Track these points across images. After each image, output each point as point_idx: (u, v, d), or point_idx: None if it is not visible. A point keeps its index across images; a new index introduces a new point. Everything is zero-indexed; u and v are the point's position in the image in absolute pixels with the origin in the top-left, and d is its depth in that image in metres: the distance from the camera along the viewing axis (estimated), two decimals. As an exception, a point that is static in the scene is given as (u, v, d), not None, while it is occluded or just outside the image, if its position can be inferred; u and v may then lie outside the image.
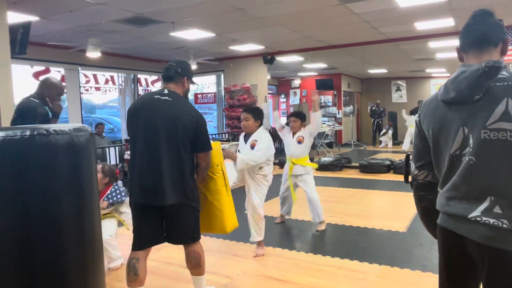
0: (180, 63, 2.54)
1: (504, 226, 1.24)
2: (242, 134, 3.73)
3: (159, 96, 2.37)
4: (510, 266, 1.25)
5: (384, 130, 12.90)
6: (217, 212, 2.63)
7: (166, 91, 2.40)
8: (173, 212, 2.37)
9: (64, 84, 8.30)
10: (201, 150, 2.40)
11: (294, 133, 4.29)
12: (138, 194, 2.37)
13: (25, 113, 3.22)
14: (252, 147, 3.48)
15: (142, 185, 2.34)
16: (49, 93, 3.41)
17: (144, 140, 2.34)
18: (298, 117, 4.34)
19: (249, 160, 3.39)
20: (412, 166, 1.59)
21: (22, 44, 5.18)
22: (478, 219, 1.29)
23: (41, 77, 3.67)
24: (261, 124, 3.59)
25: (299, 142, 4.23)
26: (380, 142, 12.99)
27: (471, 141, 1.30)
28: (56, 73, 8.23)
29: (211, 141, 2.49)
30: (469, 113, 1.31)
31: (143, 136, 2.34)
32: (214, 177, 2.59)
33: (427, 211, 1.55)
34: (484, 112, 1.27)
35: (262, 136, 3.52)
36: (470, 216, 1.30)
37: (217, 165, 2.61)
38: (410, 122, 11.34)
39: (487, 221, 1.27)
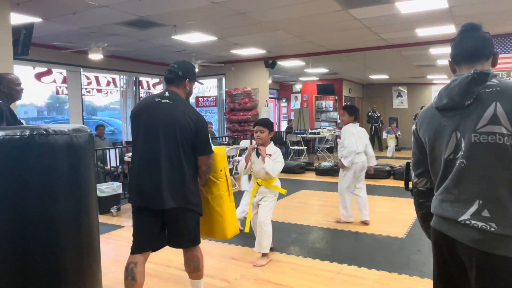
0: (182, 65, 2.49)
1: (492, 229, 1.27)
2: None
3: (160, 99, 2.37)
4: (497, 269, 1.27)
5: (390, 135, 12.14)
6: (218, 217, 2.60)
7: (167, 94, 2.40)
8: (174, 216, 2.36)
9: (66, 85, 8.34)
10: (201, 153, 2.39)
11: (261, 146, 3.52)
12: (136, 196, 2.36)
13: None
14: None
15: (140, 187, 2.34)
16: (10, 89, 3.06)
17: (144, 143, 2.34)
18: (266, 126, 3.53)
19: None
20: (412, 174, 1.63)
21: (24, 45, 5.21)
22: (468, 222, 1.32)
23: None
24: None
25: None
26: (386, 147, 12.74)
27: (463, 145, 1.34)
28: (58, 74, 8.27)
29: (216, 145, 2.47)
30: (460, 118, 1.36)
31: (143, 139, 2.35)
32: (217, 182, 2.57)
33: (426, 218, 1.58)
34: (474, 116, 1.32)
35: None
36: (460, 219, 1.34)
37: (221, 170, 2.58)
38: None
39: (476, 224, 1.30)
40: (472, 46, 1.45)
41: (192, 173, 2.38)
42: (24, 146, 1.60)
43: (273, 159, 3.48)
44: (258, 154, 3.51)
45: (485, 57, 1.45)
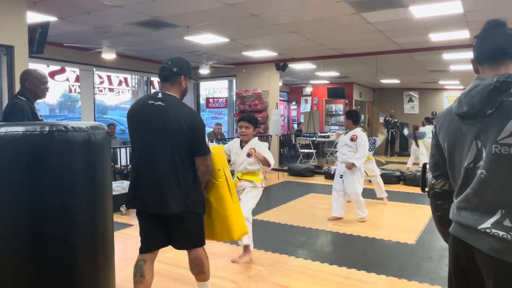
0: (176, 61, 2.39)
1: None
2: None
3: (152, 101, 2.29)
4: None
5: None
6: (222, 219, 2.53)
7: (160, 95, 2.31)
8: (176, 219, 2.32)
9: (79, 84, 8.43)
10: (197, 154, 2.30)
11: (244, 143, 3.53)
12: (136, 202, 2.34)
13: (12, 113, 3.00)
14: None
15: (139, 193, 2.30)
16: (34, 87, 3.14)
17: (140, 148, 2.30)
18: (251, 122, 3.55)
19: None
20: (429, 176, 1.60)
21: (40, 43, 5.28)
22: (488, 230, 1.29)
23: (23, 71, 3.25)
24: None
25: (249, 155, 3.47)
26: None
27: (484, 154, 1.31)
28: (71, 73, 8.37)
29: (214, 144, 2.40)
30: (481, 127, 1.32)
31: (139, 144, 2.31)
32: (216, 183, 2.49)
33: (443, 220, 1.56)
34: (496, 127, 1.28)
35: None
36: (480, 227, 1.31)
37: (219, 170, 2.50)
38: (428, 134, 10.12)
39: (496, 233, 1.27)
40: (496, 45, 1.38)
41: (192, 176, 2.31)
42: (43, 141, 1.63)
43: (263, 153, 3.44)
44: (241, 146, 3.50)
45: (511, 57, 1.36)
